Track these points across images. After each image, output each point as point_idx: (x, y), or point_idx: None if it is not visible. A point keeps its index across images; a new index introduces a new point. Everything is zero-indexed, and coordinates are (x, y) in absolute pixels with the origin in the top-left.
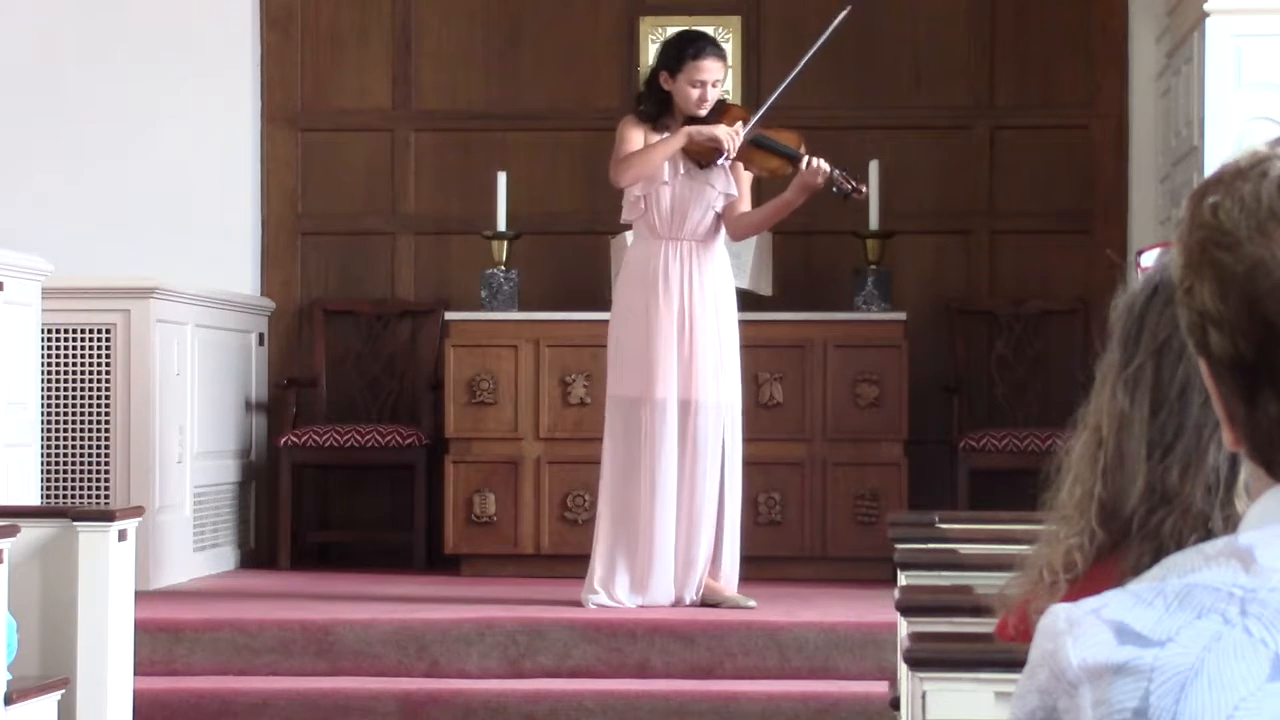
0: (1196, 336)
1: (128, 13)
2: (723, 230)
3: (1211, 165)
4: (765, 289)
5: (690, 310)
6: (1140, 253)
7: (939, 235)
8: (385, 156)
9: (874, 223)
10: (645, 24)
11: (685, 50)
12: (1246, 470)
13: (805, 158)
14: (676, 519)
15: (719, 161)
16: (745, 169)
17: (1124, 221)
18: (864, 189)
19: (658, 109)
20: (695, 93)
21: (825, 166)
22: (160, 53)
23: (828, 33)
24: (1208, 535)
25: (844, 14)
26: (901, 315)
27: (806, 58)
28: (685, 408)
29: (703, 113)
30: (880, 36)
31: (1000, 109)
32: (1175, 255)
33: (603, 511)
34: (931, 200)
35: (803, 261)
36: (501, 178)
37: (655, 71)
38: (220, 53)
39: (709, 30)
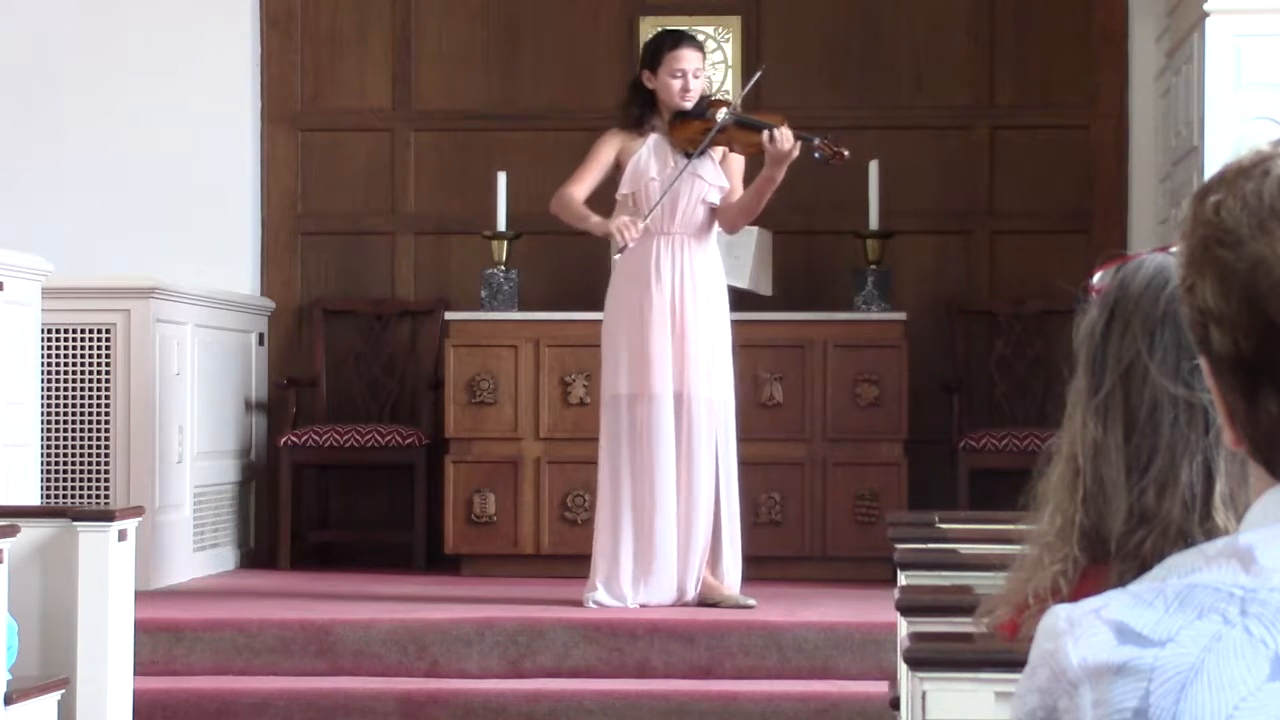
0: (1198, 334)
1: (127, 13)
2: (715, 227)
3: (1211, 165)
4: (765, 289)
5: (682, 304)
6: (1090, 275)
7: (939, 235)
8: (385, 156)
9: (874, 223)
10: (645, 24)
11: (663, 44)
12: (1251, 472)
13: (776, 129)
14: (675, 513)
15: (706, 150)
16: (731, 150)
17: (1124, 221)
18: (845, 153)
19: (642, 110)
20: (676, 84)
21: (791, 136)
22: (160, 53)
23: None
24: None
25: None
26: (901, 315)
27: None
28: (679, 401)
29: (687, 105)
30: (880, 37)
31: (1000, 109)
32: (1178, 253)
33: (602, 510)
34: (931, 200)
35: (803, 261)
36: (501, 178)
37: (638, 73)
38: (220, 53)
39: (708, 30)
